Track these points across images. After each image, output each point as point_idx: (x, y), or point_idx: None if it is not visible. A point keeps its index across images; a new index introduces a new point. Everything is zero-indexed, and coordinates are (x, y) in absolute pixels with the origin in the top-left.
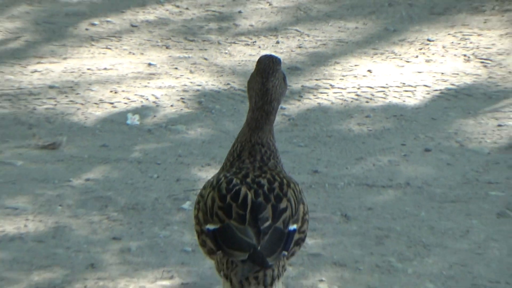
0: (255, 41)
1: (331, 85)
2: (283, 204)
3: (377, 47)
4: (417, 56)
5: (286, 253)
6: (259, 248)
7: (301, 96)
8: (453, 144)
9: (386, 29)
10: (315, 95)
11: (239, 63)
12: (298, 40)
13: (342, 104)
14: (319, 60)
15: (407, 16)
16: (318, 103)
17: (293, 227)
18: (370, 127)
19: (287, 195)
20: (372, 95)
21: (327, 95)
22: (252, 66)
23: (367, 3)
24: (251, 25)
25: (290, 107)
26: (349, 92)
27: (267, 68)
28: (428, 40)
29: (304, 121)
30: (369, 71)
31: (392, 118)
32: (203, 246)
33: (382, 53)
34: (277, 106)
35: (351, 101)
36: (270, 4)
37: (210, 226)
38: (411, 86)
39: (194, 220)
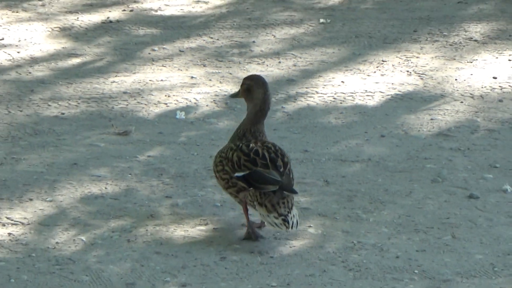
0: (264, 61)
1: (316, 91)
2: (285, 159)
3: (347, 65)
4: (375, 72)
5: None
6: (287, 183)
7: (295, 99)
8: (400, 132)
9: (354, 53)
10: (305, 98)
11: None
12: (293, 60)
13: (324, 104)
14: (308, 74)
15: (368, 44)
16: (307, 104)
17: (291, 175)
18: (343, 120)
19: (286, 155)
20: (345, 98)
21: (314, 98)
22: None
23: (341, 36)
24: (261, 50)
25: (288, 106)
26: (328, 96)
27: (266, 83)
28: (383, 60)
29: (298, 116)
30: (342, 82)
31: (358, 114)
32: (233, 187)
33: (351, 70)
34: (268, 110)
35: (330, 102)
36: (274, 36)
37: (239, 173)
38: (371, 92)
39: (218, 173)
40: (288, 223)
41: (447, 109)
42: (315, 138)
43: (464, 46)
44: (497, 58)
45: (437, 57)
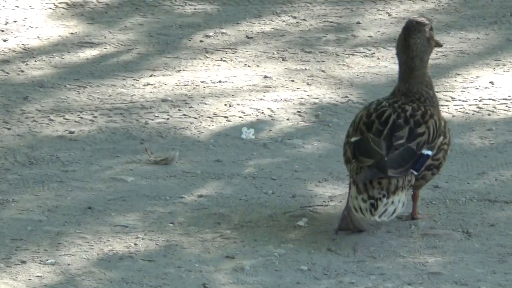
0: (373, 53)
1: (452, 97)
2: (420, 129)
3: (499, 58)
4: None
5: (416, 172)
6: (386, 158)
7: None
8: None
9: (509, 40)
10: None
11: (358, 75)
12: None
13: (463, 117)
14: (440, 71)
15: None
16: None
17: (427, 152)
18: (492, 140)
19: (427, 123)
20: (494, 107)
21: (448, 108)
22: (371, 78)
23: (489, 13)
24: (370, 36)
25: None
26: (470, 105)
27: (410, 26)
28: None
29: None
30: (491, 82)
31: None
32: (344, 155)
33: (504, 64)
34: (420, 63)
35: (473, 114)
36: (389, 15)
37: (353, 139)
38: None
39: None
40: (376, 209)
41: None
42: (451, 168)
43: None
44: None
45: None
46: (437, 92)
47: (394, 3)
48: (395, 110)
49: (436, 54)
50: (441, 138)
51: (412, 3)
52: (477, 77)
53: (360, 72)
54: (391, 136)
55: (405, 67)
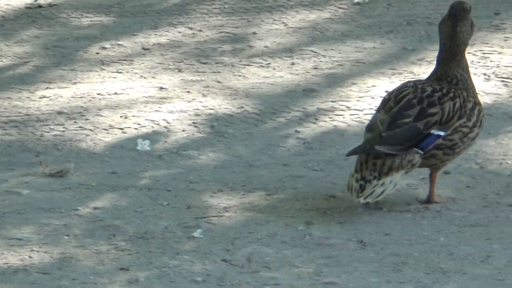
0: (269, 63)
1: (347, 106)
2: (433, 110)
3: (395, 67)
4: None
5: (420, 151)
6: (383, 134)
7: (317, 119)
8: (473, 166)
9: (405, 49)
10: (330, 118)
11: (253, 85)
12: (314, 61)
13: (359, 126)
14: (335, 81)
15: (426, 35)
16: (334, 126)
17: (438, 132)
18: None
19: (443, 104)
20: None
21: (343, 117)
22: (266, 88)
23: (385, 22)
24: (266, 46)
25: (305, 130)
26: (366, 114)
27: (458, 13)
28: None
29: (319, 144)
30: (386, 91)
31: None
32: None
33: (400, 73)
34: (464, 48)
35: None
36: (285, 25)
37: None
38: None
39: None
40: (362, 191)
41: None
42: (346, 178)
43: None
44: None
45: None
46: (333, 101)
47: (290, 13)
48: (416, 90)
49: (332, 63)
50: (463, 120)
51: (308, 12)
52: (372, 86)
53: (256, 83)
54: (397, 114)
55: (449, 53)
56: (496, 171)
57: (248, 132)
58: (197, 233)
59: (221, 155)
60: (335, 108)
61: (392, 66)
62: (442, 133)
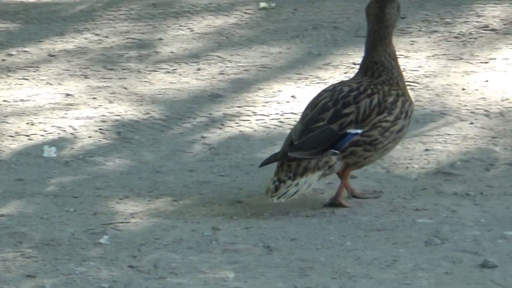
0: (175, 69)
1: (253, 112)
2: (348, 110)
3: (301, 71)
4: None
5: (337, 152)
6: (296, 142)
7: (223, 124)
8: (379, 170)
9: (311, 53)
10: (237, 123)
11: (159, 91)
12: (220, 66)
13: (264, 131)
14: (241, 86)
15: (332, 39)
16: (240, 131)
17: (355, 131)
18: None
19: (359, 103)
20: (296, 121)
21: (250, 123)
22: (172, 94)
23: (291, 27)
24: (172, 52)
25: (211, 136)
26: (272, 119)
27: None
28: (354, 63)
29: (226, 149)
30: (293, 96)
31: None
32: None
33: (306, 78)
34: (391, 31)
35: (274, 128)
36: (191, 30)
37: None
38: None
39: None
40: (276, 190)
41: (450, 134)
42: (252, 183)
43: (476, 38)
44: None
45: (435, 56)
46: (239, 107)
47: (196, 18)
48: (334, 93)
49: (238, 69)
50: (383, 115)
51: (214, 18)
52: (278, 91)
53: (162, 89)
54: (310, 119)
55: (377, 36)
56: (402, 175)
57: (155, 138)
58: (103, 240)
59: (127, 161)
60: (241, 113)
61: (298, 71)
62: (359, 131)
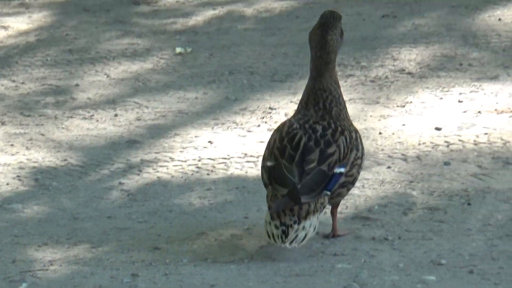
0: (92, 115)
1: (171, 158)
2: (331, 149)
3: (218, 117)
4: (259, 125)
5: (328, 192)
6: (299, 186)
7: (140, 170)
8: None
9: (227, 98)
10: (154, 169)
11: (77, 137)
12: (137, 112)
13: (182, 177)
14: (159, 132)
15: (248, 84)
16: (158, 177)
17: (339, 170)
18: (211, 200)
19: (338, 142)
20: (213, 167)
21: (167, 168)
22: (90, 140)
23: (207, 72)
24: (89, 98)
25: (129, 182)
26: (189, 165)
27: (328, 22)
28: (270, 108)
29: (144, 195)
30: (210, 142)
31: (234, 190)
32: (261, 178)
33: (223, 123)
34: (334, 57)
35: (192, 174)
36: (108, 76)
37: (269, 163)
38: (253, 156)
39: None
40: (287, 236)
41: (368, 179)
42: (170, 229)
43: (392, 82)
44: (441, 99)
45: (352, 100)
46: (156, 153)
47: (112, 64)
48: (306, 131)
49: (155, 115)
50: (354, 152)
51: (131, 64)
52: (196, 136)
53: (80, 135)
54: (303, 160)
55: (320, 62)
56: (321, 220)
57: (72, 184)
58: (22, 287)
59: (45, 208)
60: (159, 159)
61: (215, 116)
62: (342, 170)
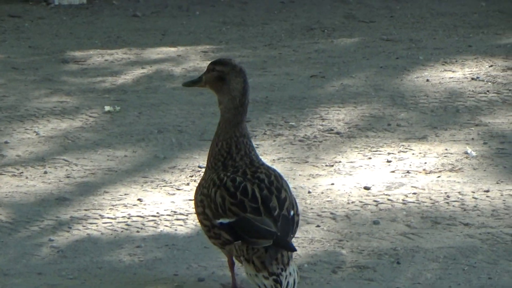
0: (22, 172)
1: (100, 215)
2: (283, 195)
3: (147, 175)
4: (188, 184)
5: (292, 235)
6: (279, 234)
7: (70, 227)
8: (227, 273)
9: (156, 156)
10: (84, 226)
11: (6, 194)
12: (66, 169)
13: (112, 234)
14: (88, 189)
15: (177, 143)
16: (88, 234)
17: (292, 212)
18: (141, 257)
19: (284, 186)
20: (143, 224)
21: (97, 226)
22: (19, 197)
23: (136, 131)
24: (18, 155)
25: (59, 239)
26: (119, 222)
27: (244, 70)
28: (199, 166)
29: (74, 252)
30: (139, 200)
31: (164, 248)
32: (216, 239)
33: (152, 181)
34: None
35: (122, 231)
36: (37, 134)
37: (224, 220)
38: (183, 214)
39: (199, 216)
40: (281, 284)
41: (297, 237)
42: (101, 286)
43: (320, 142)
44: (370, 158)
45: (280, 159)
46: (86, 210)
47: (42, 122)
48: (253, 182)
49: (85, 172)
50: (282, 192)
51: (59, 121)
52: (125, 194)
53: (9, 192)
54: (268, 210)
55: (242, 109)
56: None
57: (2, 241)
58: None
59: None
60: (88, 216)
61: (144, 174)
62: (292, 212)
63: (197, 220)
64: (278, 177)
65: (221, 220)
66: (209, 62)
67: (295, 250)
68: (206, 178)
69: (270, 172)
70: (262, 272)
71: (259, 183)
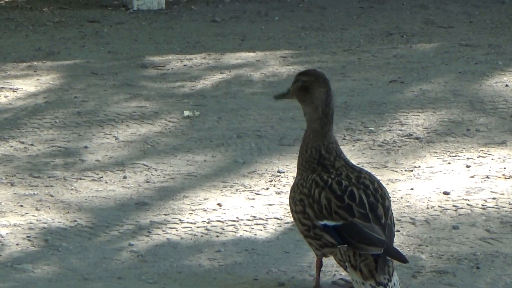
0: (101, 177)
1: (180, 220)
2: (386, 203)
3: (226, 179)
4: (267, 188)
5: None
6: (388, 242)
7: (150, 232)
8: (307, 278)
9: (235, 161)
10: (164, 230)
11: (86, 199)
12: (146, 174)
13: (191, 239)
14: (168, 194)
15: (256, 148)
16: (167, 239)
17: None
18: (221, 261)
19: (386, 194)
20: (223, 229)
21: (177, 230)
22: (99, 202)
23: (216, 135)
24: (98, 160)
25: (138, 243)
26: (198, 227)
27: (327, 79)
28: (279, 171)
29: (153, 257)
30: (218, 204)
31: (244, 252)
32: (315, 239)
33: (232, 186)
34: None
35: (201, 236)
36: (116, 139)
37: (329, 222)
38: (262, 219)
39: (297, 215)
40: None
41: None
42: None
43: (400, 147)
44: (449, 164)
45: (359, 164)
46: (165, 214)
47: (121, 127)
48: (358, 187)
49: (164, 177)
50: (386, 201)
51: (139, 126)
52: (205, 199)
53: (89, 196)
54: (377, 217)
55: (326, 120)
56: (330, 282)
57: (82, 245)
58: None
59: (55, 268)
60: (168, 221)
61: (224, 179)
62: (389, 221)
63: (293, 217)
64: (380, 184)
65: (325, 222)
66: (288, 67)
67: (407, 261)
68: (305, 178)
69: (373, 179)
70: (369, 280)
71: (364, 189)
